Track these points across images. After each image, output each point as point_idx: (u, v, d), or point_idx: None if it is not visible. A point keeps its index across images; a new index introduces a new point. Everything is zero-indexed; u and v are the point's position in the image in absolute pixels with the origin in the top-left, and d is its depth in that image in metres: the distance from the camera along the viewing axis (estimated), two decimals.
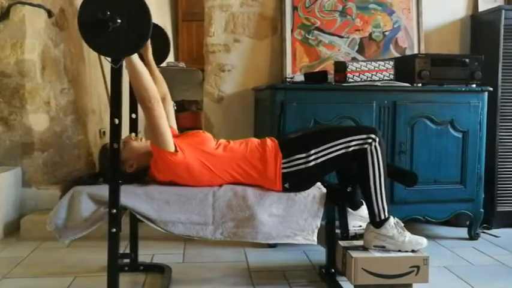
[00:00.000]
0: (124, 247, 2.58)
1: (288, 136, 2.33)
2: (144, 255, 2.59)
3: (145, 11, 1.76)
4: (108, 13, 1.71)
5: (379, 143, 2.09)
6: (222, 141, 2.20)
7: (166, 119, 2.03)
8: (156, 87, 1.97)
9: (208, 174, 2.09)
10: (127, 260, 2.45)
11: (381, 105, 2.84)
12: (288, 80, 3.16)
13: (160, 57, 2.42)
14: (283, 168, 2.09)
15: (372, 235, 2.14)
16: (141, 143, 2.18)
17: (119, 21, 1.74)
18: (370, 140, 2.08)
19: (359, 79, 2.85)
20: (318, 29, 3.28)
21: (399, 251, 2.13)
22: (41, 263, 2.60)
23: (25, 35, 3.20)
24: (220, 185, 2.12)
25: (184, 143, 2.08)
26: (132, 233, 2.46)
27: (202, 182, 2.10)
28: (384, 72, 2.89)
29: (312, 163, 2.09)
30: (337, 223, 2.34)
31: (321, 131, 2.27)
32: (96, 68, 4.18)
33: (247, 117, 3.31)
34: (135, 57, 1.87)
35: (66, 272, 2.47)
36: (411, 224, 2.98)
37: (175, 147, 2.02)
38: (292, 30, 3.25)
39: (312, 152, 2.09)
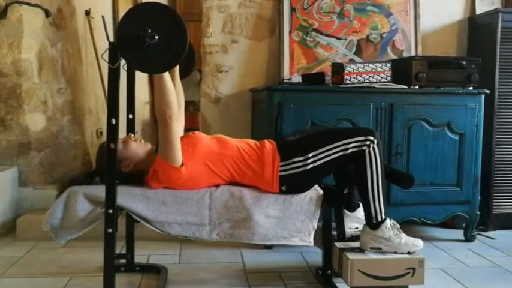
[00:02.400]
0: (120, 247, 2.58)
1: (285, 138, 2.32)
2: (140, 255, 2.59)
3: (183, 31, 1.76)
4: (149, 31, 1.72)
5: (377, 145, 2.09)
6: (217, 135, 2.22)
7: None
8: (177, 104, 1.97)
9: (207, 175, 2.08)
10: (123, 261, 2.44)
11: (378, 107, 2.84)
12: (285, 81, 3.16)
13: (185, 70, 2.40)
14: (281, 171, 2.09)
15: (368, 237, 2.14)
16: (139, 144, 2.18)
17: (157, 37, 1.74)
18: (368, 142, 2.08)
19: (356, 81, 2.85)
20: (316, 30, 3.28)
21: (395, 252, 2.13)
22: (37, 263, 2.59)
23: (22, 35, 3.20)
24: (217, 186, 2.12)
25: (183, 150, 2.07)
26: (129, 233, 2.46)
27: (199, 187, 2.09)
28: (381, 74, 2.89)
29: (310, 166, 2.09)
30: (333, 225, 2.34)
31: (318, 133, 2.26)
32: (93, 67, 4.18)
33: (244, 118, 3.31)
34: (166, 74, 1.87)
35: (62, 272, 2.46)
36: (407, 225, 2.98)
37: (182, 162, 2.01)
38: (290, 32, 3.26)
39: (310, 155, 2.09)
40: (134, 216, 2.04)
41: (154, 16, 1.77)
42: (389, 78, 2.90)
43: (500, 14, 3.12)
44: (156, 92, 1.91)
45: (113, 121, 1.89)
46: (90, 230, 2.04)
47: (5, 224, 3.05)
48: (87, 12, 4.11)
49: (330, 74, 2.98)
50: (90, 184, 2.12)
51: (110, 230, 1.93)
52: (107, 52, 1.88)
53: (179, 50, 1.77)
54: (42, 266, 2.54)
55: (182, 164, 2.01)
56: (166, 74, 1.88)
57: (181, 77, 2.39)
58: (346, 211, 2.39)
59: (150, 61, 1.78)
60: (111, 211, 1.92)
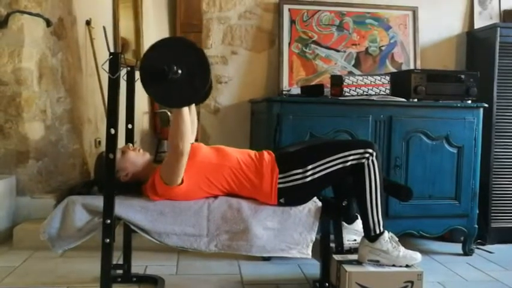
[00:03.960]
0: (117, 258, 2.57)
1: (284, 150, 2.32)
2: (138, 266, 2.57)
3: (206, 69, 1.77)
4: (175, 68, 1.73)
5: (376, 158, 2.10)
6: (216, 146, 2.21)
7: None
8: (191, 136, 1.96)
9: (205, 186, 2.08)
10: (120, 271, 2.43)
11: (377, 120, 2.85)
12: (284, 92, 3.17)
13: (201, 98, 2.41)
14: (280, 183, 2.09)
15: (367, 249, 2.14)
16: (138, 153, 2.18)
17: (180, 72, 1.75)
18: (367, 155, 2.08)
19: (355, 93, 2.86)
20: (315, 42, 3.30)
21: (393, 265, 2.12)
22: (34, 272, 2.58)
23: (23, 44, 3.21)
24: (216, 197, 2.12)
25: None
26: (126, 243, 2.45)
27: (197, 198, 2.09)
28: (380, 87, 2.90)
29: (309, 178, 2.09)
30: (331, 237, 2.33)
31: (317, 145, 2.26)
32: (93, 77, 4.18)
33: (243, 129, 3.32)
34: (185, 108, 1.86)
35: (58, 282, 2.44)
36: (405, 238, 2.98)
37: (182, 180, 2.01)
38: (289, 44, 3.27)
39: (309, 167, 2.08)
40: (132, 227, 2.04)
41: (179, 51, 1.78)
42: (388, 91, 2.91)
43: (499, 28, 3.15)
44: (173, 125, 1.89)
45: (112, 131, 1.89)
46: (88, 239, 2.04)
47: (1, 233, 3.04)
48: (88, 22, 4.12)
49: (329, 86, 2.99)
50: (88, 194, 2.12)
51: (108, 240, 1.92)
52: (107, 62, 1.89)
53: (200, 87, 1.78)
54: (39, 276, 2.53)
55: (181, 183, 2.01)
56: (186, 109, 1.87)
57: (197, 104, 2.39)
58: (344, 223, 2.39)
59: (171, 95, 1.78)
60: (109, 221, 1.92)
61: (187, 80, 1.77)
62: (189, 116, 1.90)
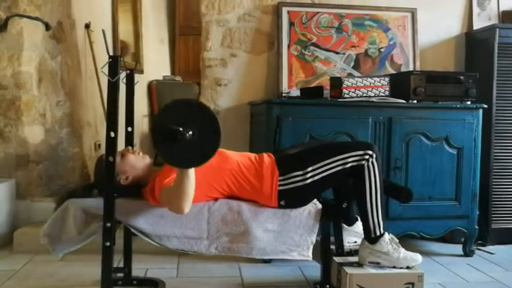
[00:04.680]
0: (118, 261, 2.56)
1: (284, 152, 2.32)
2: (138, 269, 2.57)
3: (217, 135, 1.76)
4: (191, 133, 1.74)
5: (376, 159, 2.10)
6: None
7: None
8: (191, 201, 1.90)
9: (205, 189, 2.08)
10: (120, 274, 2.43)
11: (377, 121, 2.85)
12: (283, 95, 3.17)
13: None
14: (280, 185, 2.09)
15: (367, 251, 2.14)
16: (138, 156, 2.18)
17: (190, 133, 1.75)
18: (367, 156, 2.08)
19: (355, 95, 2.86)
20: (314, 44, 3.31)
21: (394, 267, 2.12)
22: (34, 276, 2.57)
23: (22, 47, 3.21)
24: (216, 199, 2.12)
25: None
26: (126, 246, 2.45)
27: (197, 201, 2.09)
28: (380, 89, 2.90)
29: (309, 180, 2.09)
30: (332, 239, 2.33)
31: (317, 147, 2.26)
32: (92, 80, 4.19)
33: (242, 131, 3.32)
34: (191, 171, 1.83)
35: (59, 286, 2.44)
36: (406, 240, 2.98)
37: None
38: (288, 46, 3.28)
39: (309, 169, 2.09)
40: (132, 230, 2.04)
41: (194, 114, 1.78)
42: (387, 93, 2.91)
43: (498, 29, 3.15)
44: (177, 183, 1.85)
45: (112, 134, 1.90)
46: (88, 243, 2.03)
47: (2, 236, 3.04)
48: (87, 26, 4.13)
49: (328, 88, 2.99)
50: (88, 197, 2.12)
51: (108, 244, 1.92)
52: (107, 65, 1.89)
53: (209, 152, 1.77)
54: (39, 280, 2.52)
55: None
56: (192, 171, 1.83)
57: None
58: (344, 225, 2.39)
59: (179, 156, 1.77)
60: (109, 224, 1.92)
61: (197, 143, 1.76)
62: (194, 175, 1.85)
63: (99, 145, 4.24)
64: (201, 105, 1.83)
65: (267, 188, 2.09)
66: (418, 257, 2.15)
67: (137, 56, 5.36)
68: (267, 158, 2.16)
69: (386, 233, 2.13)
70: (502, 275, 2.72)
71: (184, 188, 1.83)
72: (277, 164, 2.13)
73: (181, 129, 1.73)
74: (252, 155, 2.20)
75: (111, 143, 1.90)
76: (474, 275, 2.73)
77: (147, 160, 2.20)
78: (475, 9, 3.51)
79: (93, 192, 2.18)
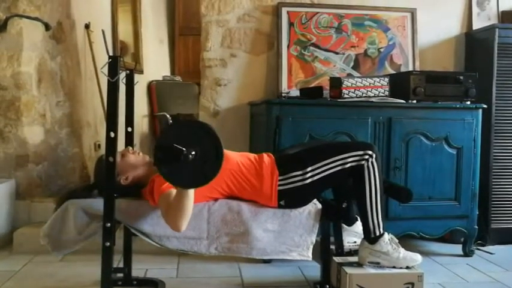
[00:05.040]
0: (117, 261, 2.56)
1: (284, 152, 2.32)
2: (138, 269, 2.57)
3: (219, 158, 1.76)
4: (193, 153, 1.74)
5: (376, 159, 2.10)
6: None
7: None
8: (188, 220, 1.90)
9: (205, 190, 2.06)
10: (120, 275, 2.43)
11: (376, 121, 2.85)
12: (283, 95, 3.17)
13: None
14: (280, 185, 2.09)
15: (367, 251, 2.14)
16: (138, 157, 2.18)
17: (193, 153, 1.75)
18: (367, 157, 2.08)
19: (354, 95, 2.86)
20: (314, 45, 3.31)
21: (394, 267, 2.12)
22: (34, 277, 2.58)
23: (22, 48, 3.21)
24: (216, 199, 2.12)
25: None
26: (126, 247, 2.45)
27: (197, 201, 2.09)
28: (379, 89, 2.90)
29: (309, 180, 2.09)
30: (332, 239, 2.33)
31: (317, 147, 2.26)
32: (92, 81, 4.19)
33: (242, 131, 3.32)
34: (191, 191, 1.84)
35: (59, 286, 2.44)
36: (406, 240, 2.98)
37: None
38: (288, 46, 3.28)
39: (309, 169, 2.09)
40: (132, 230, 2.04)
41: (196, 134, 1.78)
42: (387, 93, 2.91)
43: (497, 29, 3.15)
44: (176, 202, 1.85)
45: (112, 134, 1.90)
46: (88, 243, 2.03)
47: (1, 237, 3.04)
48: (87, 26, 4.13)
49: (328, 88, 3.00)
50: (88, 197, 2.12)
51: (108, 244, 1.92)
52: (107, 66, 1.89)
53: (210, 174, 1.77)
54: (39, 280, 2.52)
55: None
56: (192, 192, 1.84)
57: None
58: (344, 225, 2.39)
59: (180, 175, 1.77)
60: (109, 224, 1.92)
61: (199, 165, 1.76)
62: (193, 194, 1.86)
63: (99, 145, 4.24)
64: (204, 125, 1.84)
65: (267, 188, 2.09)
66: (418, 257, 2.15)
67: (137, 56, 5.36)
68: (267, 158, 2.16)
69: (386, 233, 2.13)
70: (502, 275, 2.72)
71: (183, 206, 1.83)
72: (277, 164, 2.13)
73: (185, 149, 1.73)
74: (252, 155, 2.21)
75: (111, 143, 1.90)
76: (474, 275, 2.74)
77: (147, 160, 2.20)
78: (475, 9, 3.52)
79: (93, 192, 2.18)
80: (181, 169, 1.75)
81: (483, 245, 3.20)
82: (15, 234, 3.01)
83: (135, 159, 2.16)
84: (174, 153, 1.73)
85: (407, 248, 2.22)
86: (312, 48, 3.30)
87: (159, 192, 1.95)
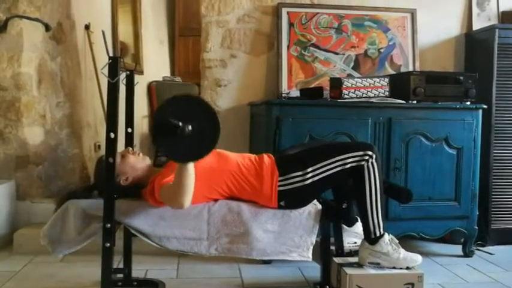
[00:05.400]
0: (117, 262, 2.56)
1: (284, 153, 2.32)
2: (138, 270, 2.57)
3: (216, 131, 1.77)
4: (190, 128, 1.74)
5: (376, 160, 2.10)
6: (216, 150, 2.21)
7: None
8: (191, 196, 1.90)
9: (205, 191, 2.07)
10: (120, 275, 2.43)
11: (376, 122, 2.85)
12: (283, 95, 3.17)
13: None
14: (280, 186, 2.09)
15: (367, 252, 2.14)
16: (138, 157, 2.18)
17: (190, 128, 1.75)
18: (367, 157, 2.08)
19: (354, 95, 2.86)
20: (314, 45, 3.31)
21: (394, 267, 2.12)
22: (34, 277, 2.58)
23: (22, 48, 3.21)
24: (216, 200, 2.12)
25: None
26: (126, 247, 2.45)
27: (198, 202, 2.09)
28: (379, 89, 2.90)
29: (309, 181, 2.09)
30: (332, 239, 2.33)
31: (317, 148, 2.26)
32: (92, 81, 4.19)
33: (242, 132, 3.32)
34: (191, 165, 1.83)
35: (59, 287, 2.44)
36: (406, 240, 2.98)
37: None
38: (288, 47, 3.28)
39: (309, 169, 2.09)
40: (132, 231, 2.04)
41: (193, 109, 1.78)
42: (387, 93, 2.91)
43: (497, 30, 3.15)
44: (177, 179, 1.84)
45: (112, 135, 1.90)
46: (88, 244, 2.03)
47: (1, 238, 3.04)
48: (87, 27, 4.13)
49: (328, 88, 3.00)
50: (88, 198, 2.12)
51: (108, 244, 1.92)
52: (107, 66, 1.89)
53: (207, 147, 1.77)
54: (39, 281, 2.52)
55: None
56: (191, 166, 1.83)
57: None
58: (344, 226, 2.39)
59: (177, 150, 1.77)
60: (109, 225, 1.92)
61: (196, 138, 1.76)
62: (193, 169, 1.85)
63: (99, 146, 4.25)
64: (201, 100, 1.84)
65: (267, 189, 2.09)
66: (418, 258, 2.15)
67: (137, 57, 5.36)
68: (267, 159, 2.16)
69: (386, 234, 2.13)
70: (502, 276, 2.72)
71: (184, 182, 1.82)
72: (277, 164, 2.13)
73: (180, 123, 1.73)
74: (252, 156, 2.21)
75: (111, 144, 1.90)
76: (474, 275, 2.74)
77: (147, 161, 2.20)
78: (475, 10, 3.52)
79: (93, 193, 2.18)
80: (179, 143, 1.76)
81: (483, 246, 3.20)
82: (16, 234, 3.01)
83: (135, 160, 2.16)
84: (171, 128, 1.74)
85: (408, 248, 2.22)
86: (312, 48, 3.30)
87: (159, 186, 1.96)
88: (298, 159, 2.17)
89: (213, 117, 1.77)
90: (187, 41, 6.69)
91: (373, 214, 2.10)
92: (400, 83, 2.97)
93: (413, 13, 3.42)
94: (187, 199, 1.86)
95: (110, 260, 1.94)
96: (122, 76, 2.07)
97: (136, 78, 2.44)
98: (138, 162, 2.16)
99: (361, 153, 2.09)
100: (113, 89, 1.88)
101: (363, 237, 2.17)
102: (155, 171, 2.14)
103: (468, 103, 2.98)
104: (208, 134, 1.76)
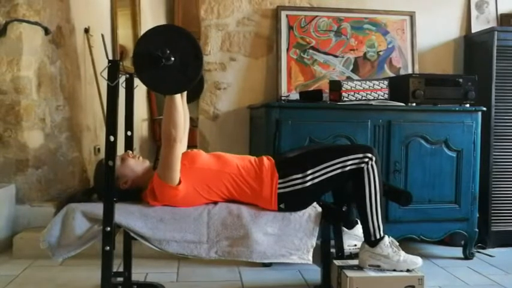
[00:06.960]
0: (117, 265, 2.56)
1: (284, 155, 2.32)
2: (138, 273, 2.57)
3: (199, 58, 1.79)
4: (168, 52, 1.75)
5: (376, 162, 2.10)
6: (216, 152, 2.22)
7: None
8: (183, 128, 1.97)
9: (205, 193, 2.08)
10: (120, 279, 2.42)
11: (376, 124, 2.85)
12: (283, 98, 3.18)
13: (193, 95, 2.42)
14: (279, 188, 2.09)
15: (367, 254, 2.13)
16: (138, 161, 2.18)
17: (173, 59, 1.76)
18: (366, 159, 2.08)
19: (354, 98, 2.87)
20: (313, 48, 3.31)
21: (394, 270, 2.12)
22: (34, 281, 2.57)
23: (22, 52, 3.21)
24: (215, 203, 2.12)
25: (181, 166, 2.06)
26: (126, 251, 2.44)
27: (197, 204, 2.09)
28: (379, 92, 2.91)
29: (309, 183, 2.09)
30: (332, 242, 2.33)
31: (317, 150, 2.27)
32: (91, 85, 4.19)
33: (242, 135, 3.32)
34: (177, 96, 1.88)
35: None
36: (406, 243, 2.98)
37: (179, 180, 2.01)
38: (287, 50, 3.28)
39: (309, 172, 2.09)
40: (132, 234, 2.03)
41: (174, 39, 1.79)
42: (386, 96, 2.92)
43: (496, 32, 3.16)
44: (165, 112, 1.92)
45: (111, 138, 1.89)
46: (88, 247, 2.03)
47: (1, 241, 3.03)
48: (87, 30, 4.13)
49: (327, 91, 3.00)
50: (88, 201, 2.12)
51: (108, 248, 1.92)
52: (106, 70, 1.89)
53: (193, 75, 1.79)
54: (38, 285, 2.52)
55: (179, 182, 2.01)
56: (178, 96, 1.90)
57: (188, 101, 2.39)
58: (344, 228, 2.39)
59: (163, 82, 1.80)
60: (109, 229, 1.91)
61: (180, 68, 1.79)
62: (181, 104, 1.92)
63: (99, 149, 4.24)
64: (182, 30, 1.85)
65: (267, 191, 2.09)
66: (419, 260, 2.15)
67: None
68: (267, 161, 2.16)
69: (386, 236, 2.13)
70: (502, 278, 2.72)
71: (171, 115, 1.89)
72: (276, 167, 2.13)
73: (162, 52, 1.74)
74: (252, 158, 2.20)
75: (111, 147, 1.90)
76: (474, 277, 2.73)
77: (146, 164, 2.20)
78: (474, 13, 3.52)
79: (93, 197, 2.18)
80: (163, 75, 1.77)
81: (483, 248, 3.20)
82: (15, 238, 3.00)
83: (135, 163, 2.16)
84: (153, 59, 1.74)
85: (408, 251, 2.22)
86: (311, 51, 3.31)
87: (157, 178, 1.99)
88: (298, 161, 2.17)
89: (194, 46, 1.78)
90: None
91: (373, 216, 2.09)
92: (399, 86, 2.97)
93: (412, 16, 3.43)
94: (178, 133, 1.92)
95: (109, 263, 1.93)
96: (122, 79, 2.07)
97: (136, 81, 2.44)
98: (137, 166, 2.16)
99: (360, 155, 2.09)
100: (112, 92, 1.88)
101: (363, 239, 2.17)
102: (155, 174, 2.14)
103: (467, 105, 2.98)
104: (191, 64, 1.78)
